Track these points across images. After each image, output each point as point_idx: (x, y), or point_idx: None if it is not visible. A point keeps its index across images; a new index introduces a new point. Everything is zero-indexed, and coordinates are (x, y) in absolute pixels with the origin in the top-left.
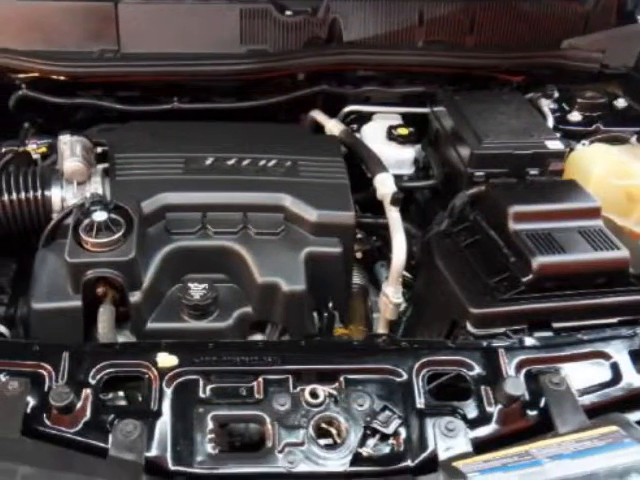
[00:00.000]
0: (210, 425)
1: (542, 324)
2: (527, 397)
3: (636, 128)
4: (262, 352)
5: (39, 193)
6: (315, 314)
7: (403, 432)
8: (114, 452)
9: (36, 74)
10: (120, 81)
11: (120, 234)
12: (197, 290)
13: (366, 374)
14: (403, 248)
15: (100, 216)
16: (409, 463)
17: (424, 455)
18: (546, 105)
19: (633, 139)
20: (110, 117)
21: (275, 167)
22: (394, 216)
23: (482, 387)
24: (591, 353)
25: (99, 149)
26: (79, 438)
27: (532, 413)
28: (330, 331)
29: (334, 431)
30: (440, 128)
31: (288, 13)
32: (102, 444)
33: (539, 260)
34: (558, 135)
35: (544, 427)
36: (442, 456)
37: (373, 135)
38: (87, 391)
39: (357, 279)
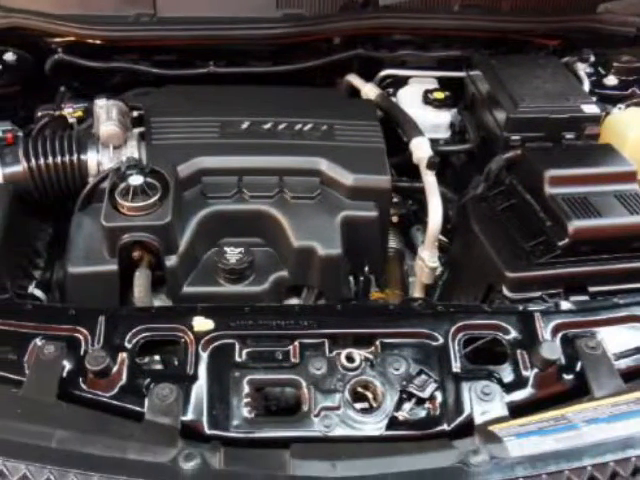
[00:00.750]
0: (246, 389)
1: (578, 288)
2: (563, 361)
3: None
4: (298, 316)
5: (75, 157)
6: (351, 278)
7: (439, 396)
8: (150, 416)
9: (72, 38)
10: (156, 45)
11: (156, 198)
12: (233, 254)
13: (402, 338)
14: (439, 212)
15: (136, 180)
16: (445, 427)
17: (460, 419)
18: (582, 69)
19: None
20: (146, 81)
21: (311, 131)
22: (430, 180)
23: (518, 351)
24: (627, 317)
25: (135, 113)
26: (115, 402)
27: (568, 377)
28: (366, 295)
29: (370, 395)
30: (476, 92)
31: None
32: (138, 408)
33: (575, 224)
34: (594, 99)
35: (580, 391)
36: (478, 420)
37: (409, 99)
38: (123, 355)
39: (393, 243)
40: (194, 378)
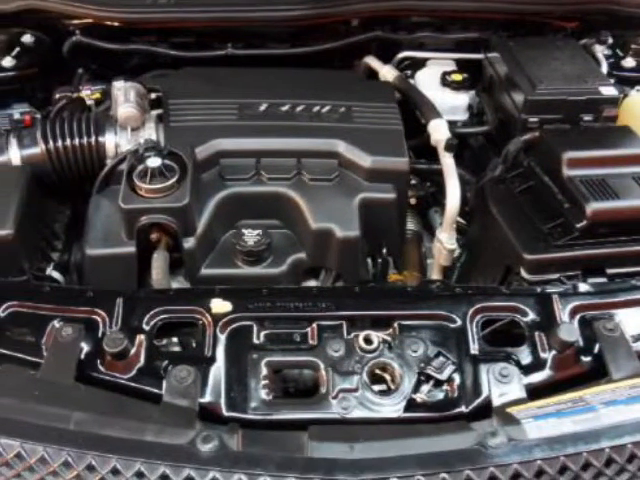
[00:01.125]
0: (264, 371)
1: (596, 270)
2: (581, 343)
3: None
4: (316, 298)
5: (93, 139)
6: (369, 260)
7: (457, 378)
8: (168, 398)
9: (90, 20)
10: (174, 27)
11: (174, 180)
12: (251, 236)
13: (420, 320)
14: (457, 194)
15: (154, 162)
16: (463, 409)
17: (478, 401)
18: (600, 51)
19: None
20: (164, 63)
21: (329, 113)
22: (448, 162)
23: (536, 333)
24: None
25: (153, 95)
26: (133, 384)
27: (586, 359)
28: (384, 277)
29: (388, 377)
30: (494, 74)
31: None
32: (156, 390)
33: (593, 206)
34: (612, 81)
35: (598, 373)
36: (496, 402)
37: (427, 81)
38: (141, 337)
39: (411, 225)
40: (212, 360)
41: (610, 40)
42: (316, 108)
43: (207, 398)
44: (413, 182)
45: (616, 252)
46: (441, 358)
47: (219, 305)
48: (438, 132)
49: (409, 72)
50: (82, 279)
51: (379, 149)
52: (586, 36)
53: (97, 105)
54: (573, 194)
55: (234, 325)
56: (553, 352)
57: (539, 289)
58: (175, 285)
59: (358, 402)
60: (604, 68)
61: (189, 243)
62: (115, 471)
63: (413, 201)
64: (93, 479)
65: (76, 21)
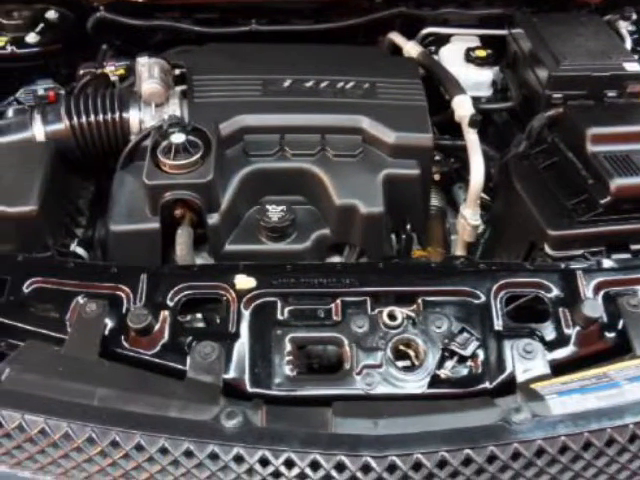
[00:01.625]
0: (288, 347)
1: (620, 246)
2: (605, 319)
3: None
4: (340, 274)
5: (117, 115)
6: (393, 236)
7: (481, 354)
8: (192, 374)
9: None
10: (198, 3)
11: (198, 156)
12: (275, 212)
13: (444, 296)
14: (481, 170)
15: (178, 138)
16: (487, 385)
17: (502, 377)
18: (624, 27)
19: None
20: (188, 39)
21: (353, 89)
22: (472, 138)
23: (560, 309)
24: None
25: (177, 71)
26: (157, 360)
27: (610, 335)
28: (408, 253)
29: (412, 353)
30: (518, 50)
31: None
32: (180, 366)
33: (617, 182)
34: (636, 57)
35: (622, 349)
36: (520, 378)
37: (451, 57)
38: (165, 313)
39: (435, 201)
40: (236, 336)
41: (634, 16)
42: (340, 84)
43: (231, 374)
44: (437, 158)
45: None
46: (465, 334)
47: (243, 281)
48: (462, 108)
49: (433, 48)
50: (106, 255)
51: (403, 125)
52: (610, 12)
53: (121, 81)
54: (597, 170)
55: (258, 301)
56: (577, 328)
57: (563, 265)
58: (199, 261)
59: (382, 378)
60: (628, 44)
61: (213, 219)
62: (139, 447)
63: (437, 177)
64: (117, 455)
65: None
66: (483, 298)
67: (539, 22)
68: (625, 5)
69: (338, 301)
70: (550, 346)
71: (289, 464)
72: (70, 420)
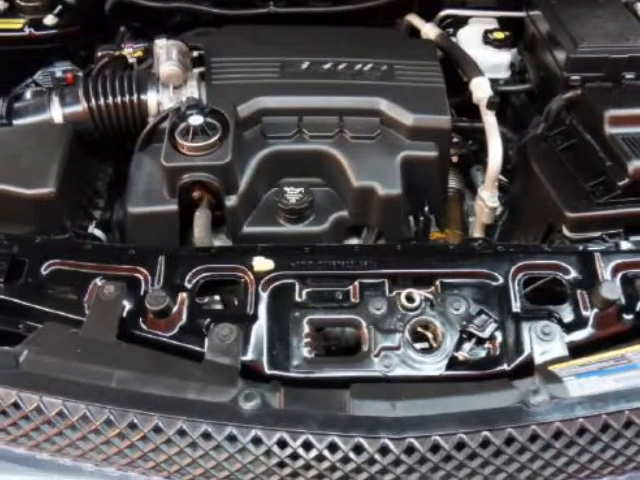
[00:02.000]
0: (306, 329)
1: (638, 228)
2: (623, 301)
3: None
4: (358, 256)
5: (135, 97)
6: (411, 218)
7: (499, 336)
8: (210, 356)
9: None
10: None
11: (216, 138)
12: (293, 194)
13: (462, 278)
14: (499, 152)
15: (196, 120)
16: (505, 367)
17: (520, 359)
18: None
19: None
20: (206, 21)
21: (371, 71)
22: (490, 120)
23: (578, 291)
24: None
25: (195, 53)
26: (175, 342)
27: (628, 317)
28: (426, 235)
29: (430, 335)
30: (536, 32)
31: None
32: (198, 348)
33: (635, 164)
34: None
35: None
36: (538, 360)
37: (469, 39)
38: (183, 295)
39: (453, 183)
40: (254, 318)
41: None
42: (358, 66)
43: (249, 356)
44: (455, 140)
45: None
46: (483, 316)
47: (261, 263)
48: (480, 90)
49: (451, 30)
50: (124, 237)
51: (421, 107)
52: None
53: (139, 63)
54: (615, 152)
55: (276, 283)
56: (595, 310)
57: (581, 247)
58: (217, 243)
59: (400, 360)
60: None
61: (231, 201)
62: (157, 429)
63: (455, 159)
64: (135, 437)
65: None
66: (501, 280)
67: (557, 4)
68: None
69: (356, 283)
70: (568, 328)
71: (307, 446)
72: (88, 402)
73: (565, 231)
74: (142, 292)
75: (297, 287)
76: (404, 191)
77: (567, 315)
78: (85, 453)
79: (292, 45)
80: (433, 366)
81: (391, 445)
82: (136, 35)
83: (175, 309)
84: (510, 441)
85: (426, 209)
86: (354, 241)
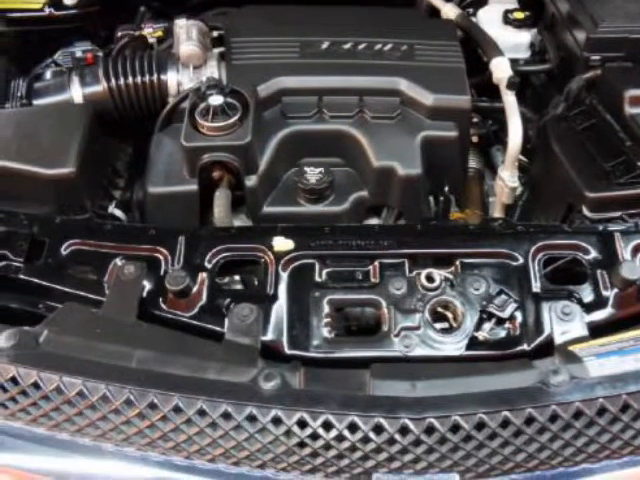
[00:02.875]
0: (326, 309)
1: None
2: None
3: None
4: (378, 236)
5: (155, 77)
6: (431, 198)
7: (519, 316)
8: (230, 336)
9: None
10: None
11: (236, 118)
12: (313, 174)
13: (482, 258)
14: (519, 132)
15: (216, 100)
16: (525, 347)
17: (540, 339)
18: None
19: None
20: (226, 1)
21: (391, 51)
22: (510, 100)
23: (598, 271)
24: None
25: (215, 33)
26: (195, 322)
27: None
28: (446, 215)
29: (450, 315)
30: (556, 12)
31: None
32: (218, 328)
33: None
34: None
35: None
36: (558, 340)
37: (489, 19)
38: (203, 275)
39: (473, 163)
40: (274, 298)
41: None
42: (378, 46)
43: (269, 336)
44: (475, 120)
45: None
46: (503, 296)
47: (281, 243)
48: (500, 70)
49: (471, 10)
50: (144, 217)
51: (441, 87)
52: None
53: (159, 43)
54: (635, 132)
55: (296, 263)
56: (615, 290)
57: (601, 227)
58: (237, 223)
59: (420, 340)
60: None
61: (251, 181)
62: (177, 409)
63: (475, 139)
64: (155, 417)
65: None
66: (521, 260)
67: None
68: None
69: (376, 263)
70: (588, 308)
71: (327, 426)
72: (108, 382)
73: (585, 211)
74: (162, 272)
75: (317, 267)
76: (424, 171)
77: (587, 295)
78: (105, 433)
79: (312, 25)
80: (453, 346)
81: (411, 425)
82: (156, 15)
83: (195, 289)
84: (530, 421)
85: (446, 189)
86: (374, 221)
